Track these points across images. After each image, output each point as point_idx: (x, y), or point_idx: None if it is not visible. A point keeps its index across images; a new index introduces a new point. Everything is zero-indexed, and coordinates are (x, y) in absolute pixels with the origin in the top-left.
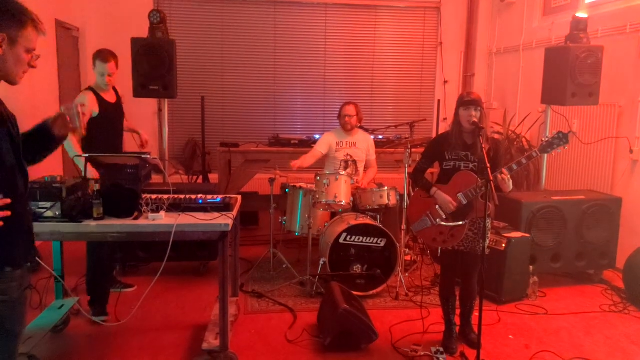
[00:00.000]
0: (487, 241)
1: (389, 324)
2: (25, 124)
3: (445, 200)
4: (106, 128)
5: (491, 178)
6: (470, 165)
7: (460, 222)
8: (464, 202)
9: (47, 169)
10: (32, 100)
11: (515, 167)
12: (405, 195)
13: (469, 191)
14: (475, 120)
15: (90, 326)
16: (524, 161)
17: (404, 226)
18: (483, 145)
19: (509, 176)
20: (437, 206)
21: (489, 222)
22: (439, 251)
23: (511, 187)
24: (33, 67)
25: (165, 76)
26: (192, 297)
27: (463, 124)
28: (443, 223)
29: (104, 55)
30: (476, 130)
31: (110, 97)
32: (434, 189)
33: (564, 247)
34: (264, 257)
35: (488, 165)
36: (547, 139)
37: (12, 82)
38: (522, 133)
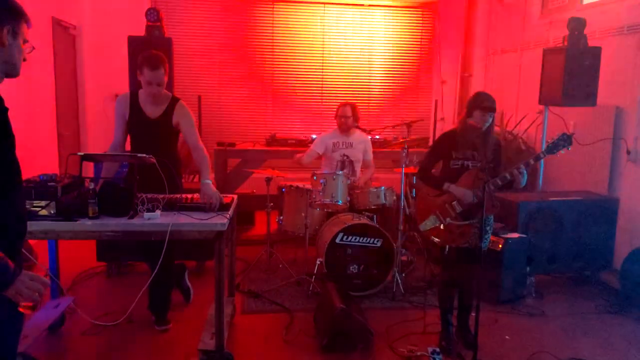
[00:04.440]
0: (488, 241)
1: (385, 324)
2: (21, 122)
3: (463, 192)
4: None
5: (497, 178)
6: (478, 165)
7: (469, 222)
8: (475, 200)
9: (42, 167)
10: (28, 97)
11: (532, 161)
12: (402, 196)
13: (479, 190)
14: (488, 125)
15: (86, 325)
16: (531, 162)
17: (400, 226)
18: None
19: (524, 170)
20: (446, 204)
21: (491, 219)
22: (446, 249)
23: (525, 182)
24: (25, 59)
25: None
26: None
27: (475, 124)
28: (453, 222)
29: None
30: (485, 132)
31: None
32: (447, 184)
33: (560, 248)
34: (261, 257)
35: (494, 163)
36: (552, 141)
37: (16, 73)
38: (519, 134)
